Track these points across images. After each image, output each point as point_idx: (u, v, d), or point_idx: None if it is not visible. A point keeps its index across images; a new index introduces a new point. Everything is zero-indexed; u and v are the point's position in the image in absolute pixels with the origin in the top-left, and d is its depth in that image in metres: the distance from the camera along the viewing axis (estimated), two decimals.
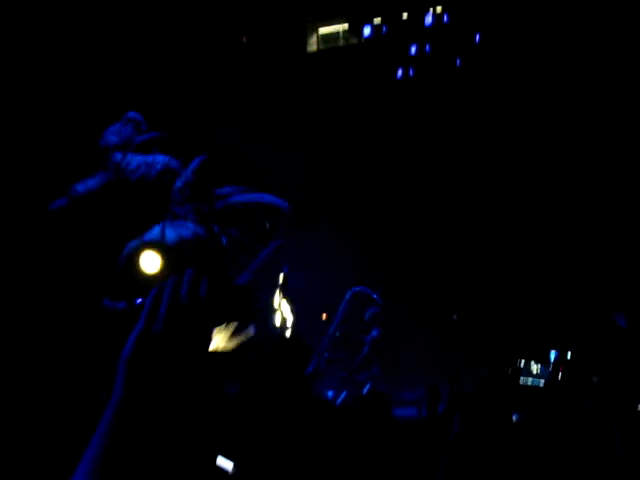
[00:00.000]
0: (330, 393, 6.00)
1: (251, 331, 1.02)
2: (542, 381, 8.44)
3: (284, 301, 10.37)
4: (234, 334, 1.01)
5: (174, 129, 11.12)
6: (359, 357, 9.21)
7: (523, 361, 8.93)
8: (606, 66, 10.12)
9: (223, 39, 11.29)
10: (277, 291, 10.42)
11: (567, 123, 10.45)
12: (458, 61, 11.28)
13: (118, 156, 11.33)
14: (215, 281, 0.96)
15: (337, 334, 10.18)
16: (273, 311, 10.29)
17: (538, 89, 10.54)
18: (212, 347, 0.98)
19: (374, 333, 6.93)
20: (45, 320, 9.11)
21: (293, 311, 10.44)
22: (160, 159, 11.50)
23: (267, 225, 11.05)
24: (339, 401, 5.56)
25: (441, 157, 10.82)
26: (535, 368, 8.91)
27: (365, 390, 6.18)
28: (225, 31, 11.36)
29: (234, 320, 0.99)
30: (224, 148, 10.61)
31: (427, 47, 11.23)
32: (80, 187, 10.99)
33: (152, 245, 10.41)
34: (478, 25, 11.00)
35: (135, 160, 11.46)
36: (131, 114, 11.51)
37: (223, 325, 0.97)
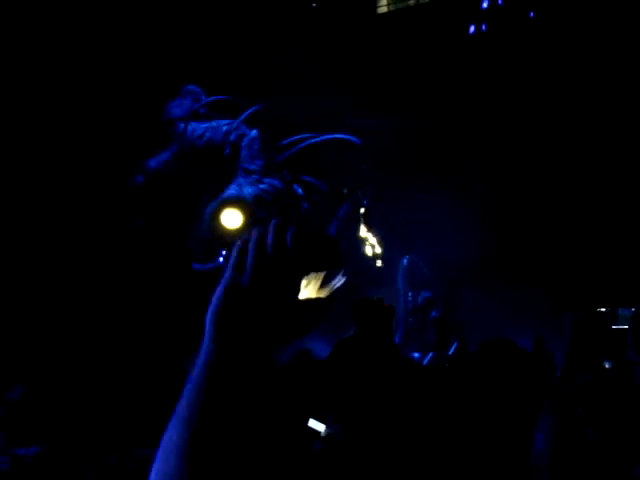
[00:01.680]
0: (416, 355, 6.12)
1: (341, 279, 1.08)
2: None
3: (370, 233, 10.40)
4: (324, 283, 0.99)
5: (235, 93, 11.29)
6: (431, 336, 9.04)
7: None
8: None
9: (293, 3, 11.32)
10: (361, 223, 10.51)
11: None
12: (532, 13, 11.00)
13: (182, 126, 11.66)
14: (301, 230, 0.94)
15: (409, 302, 10.22)
16: (361, 241, 10.35)
17: (616, 42, 10.18)
18: (303, 296, 0.97)
19: (433, 314, 6.84)
20: (133, 295, 9.54)
21: (381, 243, 10.52)
22: (223, 122, 11.79)
23: (345, 190, 11.15)
24: (426, 362, 5.68)
25: (519, 110, 10.65)
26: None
27: (451, 350, 6.26)
28: None
29: (321, 269, 0.97)
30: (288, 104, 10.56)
31: (499, 0, 10.99)
32: (153, 162, 11.42)
33: (231, 202, 10.71)
34: None
35: (200, 127, 11.80)
36: (189, 87, 11.79)
37: (312, 275, 0.97)
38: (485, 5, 10.95)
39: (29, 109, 9.42)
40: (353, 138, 11.44)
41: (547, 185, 10.88)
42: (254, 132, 11.58)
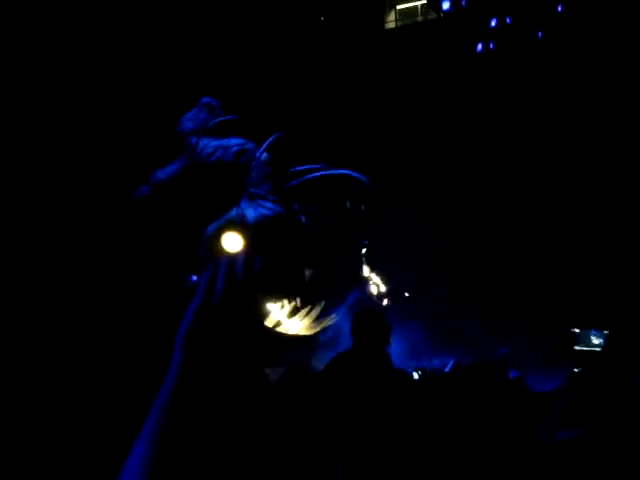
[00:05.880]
0: (436, 362, 6.01)
1: (334, 317, 1.13)
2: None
3: (373, 273, 10.45)
4: (316, 321, 1.13)
5: (249, 112, 11.14)
6: None
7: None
8: None
9: (300, 18, 11.33)
10: (363, 263, 10.51)
11: None
12: (540, 33, 10.98)
13: (194, 140, 11.40)
14: (270, 259, 1.01)
15: None
16: (365, 281, 10.37)
17: (625, 62, 10.15)
18: (295, 332, 1.08)
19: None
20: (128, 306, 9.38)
21: (385, 282, 10.53)
22: (235, 141, 11.53)
23: (348, 204, 11.03)
24: (448, 369, 5.59)
25: (525, 131, 10.61)
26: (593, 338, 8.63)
27: (448, 368, 6.17)
28: (302, 10, 11.39)
29: (285, 296, 1.03)
30: (300, 127, 10.54)
31: (508, 19, 10.97)
32: (160, 174, 11.14)
33: (233, 225, 10.53)
34: None
35: (211, 144, 11.52)
36: (205, 99, 11.50)
37: (305, 311, 1.07)
38: (494, 24, 10.94)
39: (36, 112, 9.37)
40: (360, 175, 11.35)
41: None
42: (264, 155, 11.46)
